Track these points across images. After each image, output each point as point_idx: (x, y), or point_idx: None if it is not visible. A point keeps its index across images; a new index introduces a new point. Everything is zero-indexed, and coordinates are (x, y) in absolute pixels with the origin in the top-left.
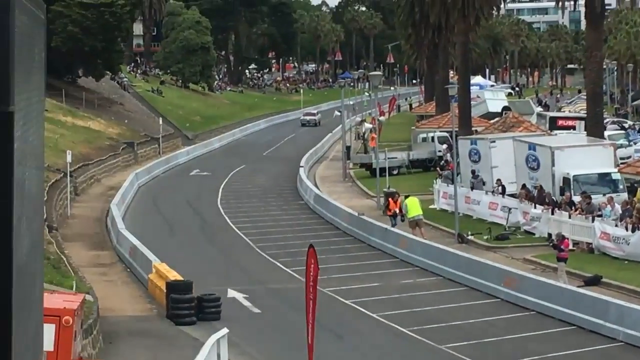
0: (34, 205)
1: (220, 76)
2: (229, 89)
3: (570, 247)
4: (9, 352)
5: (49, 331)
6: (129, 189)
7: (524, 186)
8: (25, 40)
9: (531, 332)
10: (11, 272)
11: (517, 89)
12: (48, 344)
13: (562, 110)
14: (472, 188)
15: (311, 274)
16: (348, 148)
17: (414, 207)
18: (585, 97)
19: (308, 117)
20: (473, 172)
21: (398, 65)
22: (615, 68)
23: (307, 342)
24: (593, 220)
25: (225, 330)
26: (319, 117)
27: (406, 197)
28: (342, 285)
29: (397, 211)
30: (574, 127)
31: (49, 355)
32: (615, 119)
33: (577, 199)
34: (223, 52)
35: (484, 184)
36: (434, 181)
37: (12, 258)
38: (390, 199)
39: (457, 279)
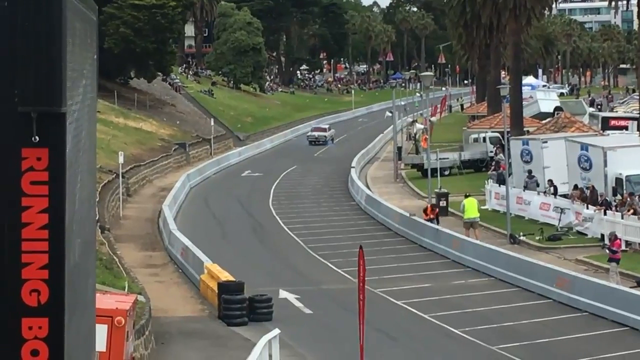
0: (86, 206)
1: (272, 77)
2: (280, 89)
3: (623, 247)
4: (61, 352)
5: (101, 331)
6: (180, 189)
7: (576, 187)
8: (78, 43)
9: (583, 334)
10: (64, 273)
11: (573, 89)
12: (100, 344)
13: (614, 110)
14: (526, 188)
15: (361, 275)
16: (399, 149)
17: (471, 208)
18: (637, 97)
19: (316, 134)
20: (529, 171)
21: (449, 66)
22: None
23: (359, 342)
24: None
25: (277, 331)
26: (332, 132)
27: (466, 196)
28: (393, 286)
29: (433, 218)
30: (626, 127)
31: (101, 355)
32: None
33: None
34: (274, 53)
35: (537, 185)
36: (486, 182)
37: (65, 259)
38: (428, 206)
39: (509, 279)
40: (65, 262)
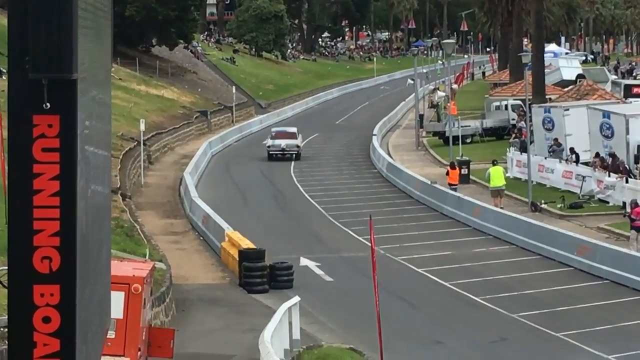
0: (100, 173)
1: (293, 44)
2: (302, 57)
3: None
4: (73, 318)
5: (118, 299)
6: (202, 157)
7: (597, 154)
8: (91, 9)
9: (604, 301)
10: (75, 240)
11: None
12: (117, 311)
13: (637, 77)
14: (551, 155)
15: (372, 246)
16: (421, 116)
17: (497, 176)
18: None
19: (283, 142)
20: (556, 139)
21: (472, 33)
22: None
23: (376, 310)
24: None
25: (297, 299)
26: (300, 141)
27: (493, 164)
28: (415, 254)
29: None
30: None
31: (118, 322)
32: None
33: None
34: (296, 21)
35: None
36: (507, 149)
37: (77, 226)
38: (450, 169)
39: (530, 247)
40: (77, 229)
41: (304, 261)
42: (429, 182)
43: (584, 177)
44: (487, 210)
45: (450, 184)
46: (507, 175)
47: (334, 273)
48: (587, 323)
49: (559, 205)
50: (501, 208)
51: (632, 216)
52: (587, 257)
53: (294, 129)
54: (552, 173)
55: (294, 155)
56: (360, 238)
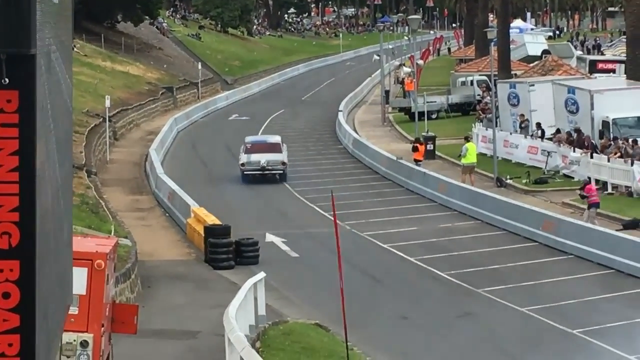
0: (61, 149)
1: (259, 20)
2: (268, 33)
3: (609, 190)
4: (33, 294)
5: (80, 275)
6: (167, 133)
7: (558, 130)
8: None
9: (569, 276)
10: (35, 215)
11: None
12: (80, 287)
13: (603, 53)
14: (519, 130)
15: (335, 219)
16: (387, 92)
17: (472, 152)
18: (625, 40)
19: (262, 158)
20: (522, 115)
21: (438, 9)
22: None
23: (340, 285)
24: (632, 164)
25: (262, 274)
26: (285, 155)
27: (467, 139)
28: (380, 230)
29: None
30: (614, 71)
31: (81, 298)
32: None
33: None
34: None
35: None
36: (473, 125)
37: (36, 201)
38: (417, 145)
39: (496, 222)
40: (36, 205)
41: (269, 237)
42: (395, 158)
43: (549, 152)
44: (453, 185)
45: (415, 160)
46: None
47: (300, 249)
48: (552, 298)
49: (524, 181)
50: (472, 184)
51: (584, 193)
52: (552, 232)
53: (276, 138)
54: (517, 149)
55: (278, 175)
56: (326, 214)
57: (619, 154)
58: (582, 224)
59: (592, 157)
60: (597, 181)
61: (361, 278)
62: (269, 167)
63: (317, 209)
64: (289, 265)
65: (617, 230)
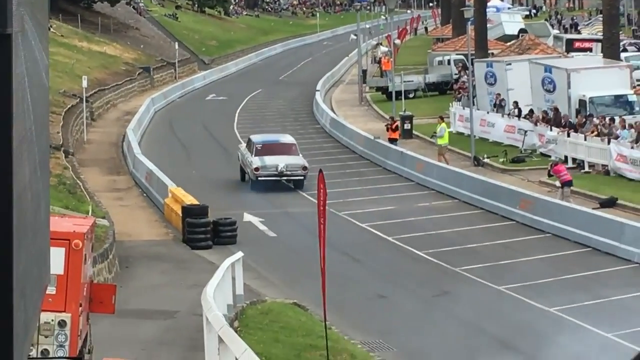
0: (38, 128)
1: (236, 0)
2: (245, 13)
3: (586, 169)
4: (10, 273)
5: (58, 255)
6: (145, 114)
7: (531, 111)
8: None
9: (546, 254)
10: (11, 193)
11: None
12: (57, 267)
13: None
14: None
15: (321, 199)
16: (364, 72)
17: (447, 133)
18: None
19: (280, 162)
20: (498, 94)
21: None
22: None
23: (320, 265)
24: (609, 143)
25: (240, 254)
26: (304, 159)
27: (442, 120)
28: (358, 209)
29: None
30: (590, 49)
31: (59, 278)
32: (632, 41)
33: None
34: None
35: (502, 107)
36: (450, 104)
37: (12, 179)
38: (389, 126)
39: (473, 201)
40: (13, 183)
41: (247, 217)
42: (372, 137)
43: (525, 131)
44: (430, 165)
45: (390, 139)
46: (450, 130)
47: (278, 229)
48: (529, 276)
49: (501, 160)
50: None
51: (552, 173)
52: (529, 211)
53: (288, 137)
54: (494, 127)
55: (300, 182)
56: (304, 193)
57: (595, 133)
58: (559, 203)
59: (569, 135)
60: (574, 160)
61: (339, 257)
62: (288, 173)
63: (294, 188)
64: (266, 245)
65: (594, 208)
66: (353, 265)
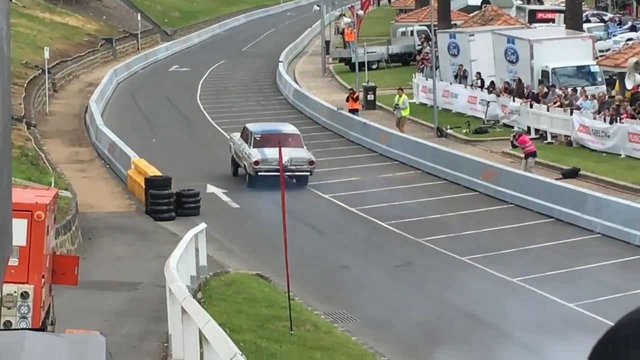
0: None
1: None
2: None
3: (549, 139)
4: None
5: (20, 226)
6: (107, 85)
7: (492, 83)
8: None
9: (509, 225)
10: None
11: None
12: (20, 239)
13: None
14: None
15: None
16: (327, 43)
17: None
18: None
19: (287, 155)
20: (460, 65)
21: None
22: None
23: (283, 236)
24: (571, 113)
25: (203, 225)
26: (310, 152)
27: (401, 91)
28: (321, 180)
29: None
30: (553, 20)
31: (22, 250)
32: (595, 12)
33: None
34: None
35: (465, 78)
36: (413, 75)
37: None
38: (350, 96)
39: (436, 172)
40: None
41: (210, 188)
42: (335, 109)
43: (488, 102)
44: (393, 135)
45: (351, 110)
46: (413, 101)
47: (241, 200)
48: (492, 246)
49: (464, 131)
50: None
51: (517, 144)
52: (492, 182)
53: (291, 127)
54: (457, 98)
55: (304, 178)
56: (228, 139)
57: (558, 104)
58: (522, 173)
59: (531, 106)
60: (536, 130)
61: (302, 228)
62: (292, 167)
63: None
64: (230, 216)
65: (556, 179)
66: (316, 236)
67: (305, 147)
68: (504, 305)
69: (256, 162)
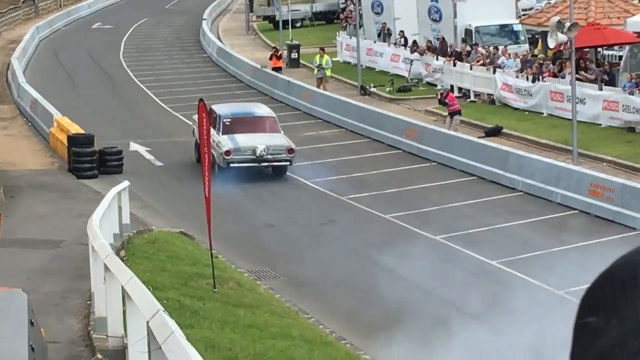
0: None
1: None
2: None
3: (472, 98)
4: None
5: None
6: (29, 42)
7: (415, 43)
8: None
9: (432, 183)
10: None
11: None
12: None
13: None
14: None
15: (204, 128)
16: (251, 0)
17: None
18: None
19: (249, 141)
20: (384, 24)
21: None
22: None
23: (204, 194)
24: (494, 72)
25: (126, 183)
26: (288, 139)
27: (322, 50)
28: None
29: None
30: None
31: None
32: None
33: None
34: None
35: (389, 36)
36: (337, 33)
37: None
38: (273, 55)
39: (360, 130)
40: None
41: (133, 146)
42: (259, 67)
43: (412, 60)
44: (317, 94)
45: (274, 68)
46: (337, 59)
47: (164, 158)
48: (415, 204)
49: (387, 89)
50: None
51: (447, 100)
52: (415, 140)
53: (266, 109)
54: (381, 57)
55: (283, 169)
56: (191, 123)
57: (481, 62)
58: (444, 132)
59: (455, 65)
60: (460, 89)
61: (225, 187)
62: (269, 157)
63: (181, 117)
64: (153, 174)
65: (479, 137)
66: (240, 194)
67: (282, 132)
68: (425, 261)
69: (227, 152)
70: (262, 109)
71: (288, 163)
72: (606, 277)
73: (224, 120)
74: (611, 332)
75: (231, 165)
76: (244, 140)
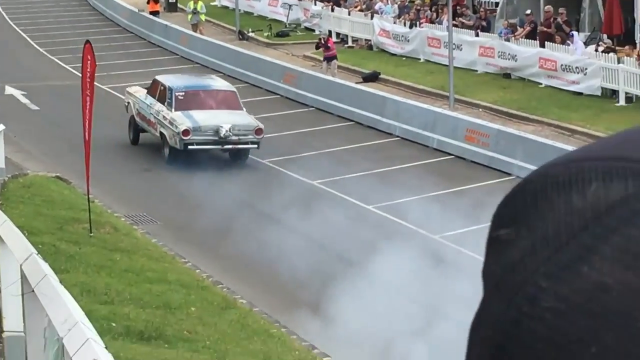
0: None
1: None
2: None
3: (350, 43)
4: None
5: None
6: None
7: None
8: None
9: (310, 128)
10: None
11: None
12: None
13: None
14: None
15: (88, 70)
16: None
17: None
18: None
19: (211, 119)
20: None
21: None
22: None
23: (84, 138)
24: (372, 17)
25: (1, 127)
26: (254, 123)
27: None
28: (122, 82)
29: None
30: None
31: None
32: None
33: None
34: None
35: None
36: None
37: None
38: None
39: (238, 75)
40: None
41: (9, 90)
42: (136, 10)
43: (290, 5)
44: (195, 38)
45: (151, 12)
46: (215, 4)
47: (40, 102)
48: (292, 149)
49: (265, 34)
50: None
51: (329, 45)
52: (293, 85)
53: (223, 83)
54: (259, 2)
55: (247, 152)
56: (67, 66)
57: (359, 8)
58: (322, 77)
59: (333, 10)
60: (338, 34)
61: (101, 131)
62: (234, 138)
63: (57, 61)
64: (29, 118)
65: (356, 82)
66: (117, 138)
67: (245, 110)
68: (304, 206)
69: (185, 132)
70: (219, 82)
71: (255, 146)
72: (518, 190)
73: (177, 93)
74: (521, 243)
75: (189, 147)
76: (204, 118)
